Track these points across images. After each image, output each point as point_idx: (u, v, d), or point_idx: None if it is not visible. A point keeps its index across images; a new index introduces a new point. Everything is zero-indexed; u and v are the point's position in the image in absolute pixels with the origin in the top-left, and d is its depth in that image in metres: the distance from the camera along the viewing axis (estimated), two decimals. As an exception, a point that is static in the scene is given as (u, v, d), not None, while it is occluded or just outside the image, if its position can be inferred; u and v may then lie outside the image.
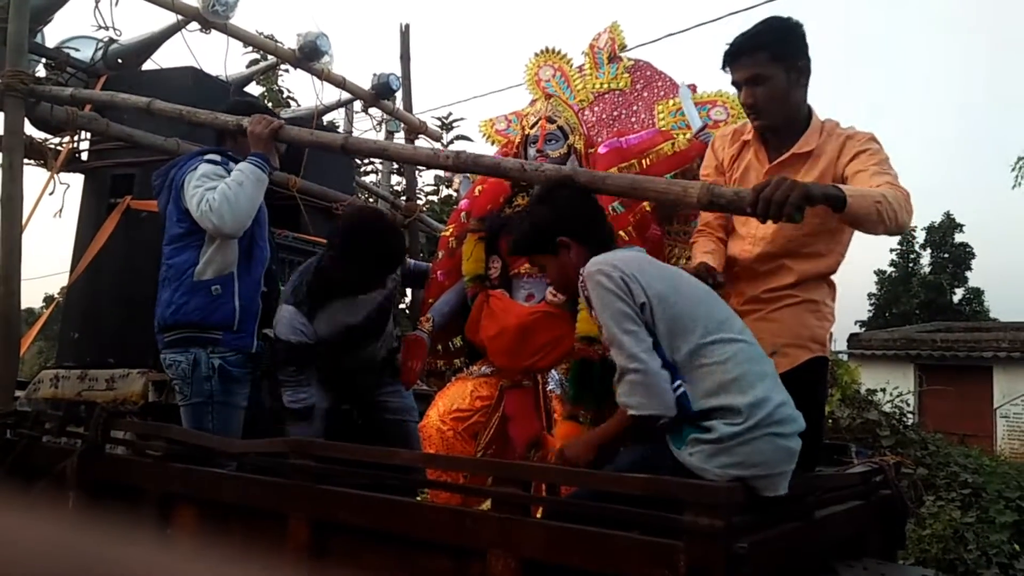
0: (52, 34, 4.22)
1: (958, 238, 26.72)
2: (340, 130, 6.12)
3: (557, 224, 2.18)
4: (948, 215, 27.01)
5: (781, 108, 2.33)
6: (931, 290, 25.77)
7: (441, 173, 8.22)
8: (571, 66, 3.38)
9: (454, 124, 8.63)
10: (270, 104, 7.83)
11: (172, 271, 2.80)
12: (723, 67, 2.37)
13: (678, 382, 1.90)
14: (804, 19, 2.34)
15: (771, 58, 2.28)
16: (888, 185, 2.12)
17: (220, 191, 2.67)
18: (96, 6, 3.84)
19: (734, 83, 2.39)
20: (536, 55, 3.37)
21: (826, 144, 2.34)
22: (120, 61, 4.23)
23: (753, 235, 2.43)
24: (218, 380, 2.74)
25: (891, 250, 27.87)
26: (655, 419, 1.86)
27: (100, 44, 4.20)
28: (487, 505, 2.31)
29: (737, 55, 2.32)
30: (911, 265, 27.48)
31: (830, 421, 6.91)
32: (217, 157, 2.86)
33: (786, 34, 2.31)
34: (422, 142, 5.88)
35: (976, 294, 26.65)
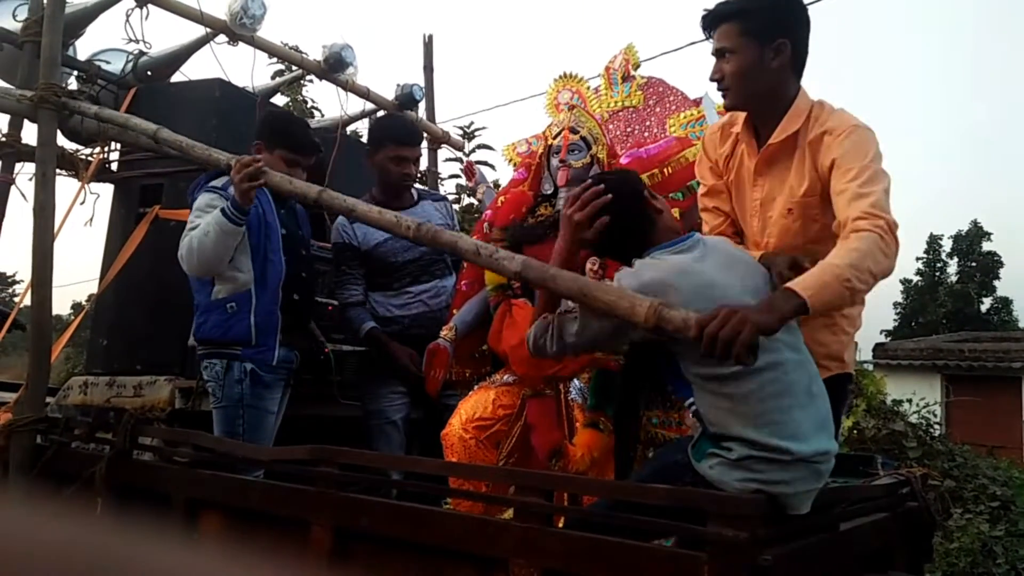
0: (84, 47, 4.30)
1: (986, 247, 26.37)
2: (364, 139, 6.16)
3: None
4: (976, 223, 26.67)
5: (750, 87, 2.12)
6: (958, 299, 25.43)
7: (464, 182, 8.25)
8: (589, 89, 3.41)
9: (476, 133, 8.65)
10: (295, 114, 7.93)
11: (195, 291, 2.98)
12: (705, 34, 2.20)
13: (691, 399, 1.88)
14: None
15: (742, 31, 2.08)
16: (864, 218, 1.85)
17: (189, 239, 2.81)
18: (127, 20, 3.92)
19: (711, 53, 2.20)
20: (555, 79, 3.39)
21: (808, 133, 2.11)
22: (150, 73, 4.31)
23: (755, 240, 2.26)
24: (249, 384, 2.85)
25: (917, 259, 27.58)
26: None
27: (130, 57, 4.27)
28: (509, 514, 2.32)
29: (710, 23, 2.14)
30: (938, 274, 27.15)
31: (855, 432, 6.84)
32: (220, 183, 2.93)
33: (767, 6, 2.09)
34: (445, 151, 5.92)
35: (1004, 303, 26.26)
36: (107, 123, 3.53)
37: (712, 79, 2.17)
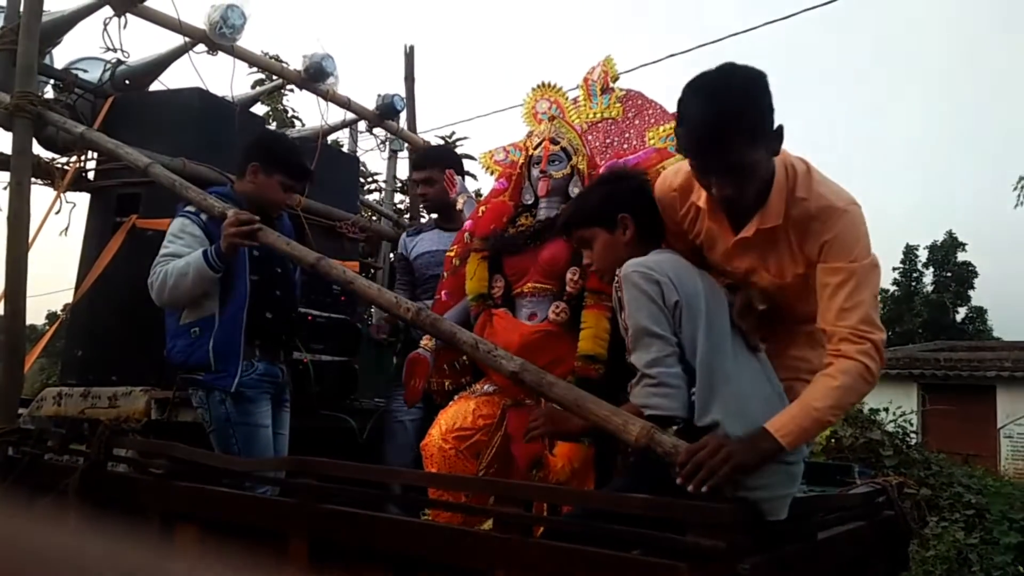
0: (61, 56, 4.26)
1: (960, 257, 26.79)
2: (344, 149, 6.15)
3: (625, 201, 2.18)
4: (950, 234, 27.10)
5: (755, 186, 1.91)
6: (934, 309, 25.78)
7: (444, 192, 8.25)
8: (567, 99, 3.42)
9: (458, 143, 8.68)
10: (275, 124, 7.90)
11: (167, 315, 2.98)
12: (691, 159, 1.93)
13: (693, 390, 1.91)
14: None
15: (751, 141, 1.82)
16: (852, 341, 1.79)
17: (163, 272, 2.80)
18: (104, 28, 3.88)
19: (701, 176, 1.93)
20: (533, 89, 3.40)
21: (791, 217, 1.92)
22: (128, 82, 4.27)
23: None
24: (232, 403, 2.85)
25: (893, 268, 27.95)
26: (670, 420, 1.86)
27: (108, 65, 4.24)
28: (489, 525, 2.31)
29: (708, 147, 1.84)
30: (913, 284, 27.51)
31: (832, 440, 6.89)
32: (192, 210, 2.93)
33: (749, 105, 1.83)
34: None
35: (979, 313, 26.66)
36: (96, 148, 3.50)
37: (724, 197, 1.90)
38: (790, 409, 1.81)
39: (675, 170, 2.18)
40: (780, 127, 1.86)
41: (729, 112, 1.79)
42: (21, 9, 3.42)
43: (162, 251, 2.88)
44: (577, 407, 1.95)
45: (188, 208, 2.95)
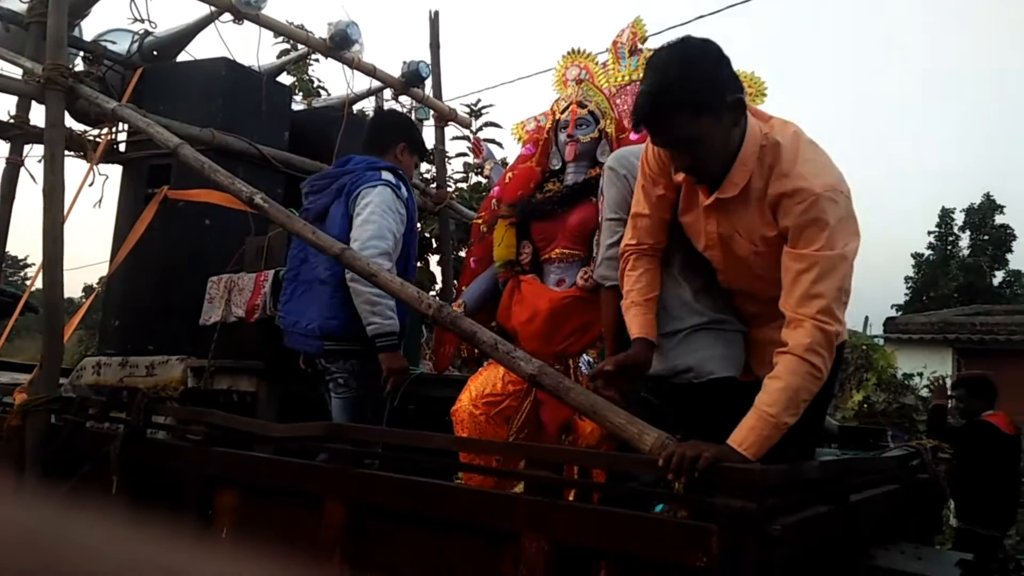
0: (89, 28, 4.29)
1: (998, 220, 26.15)
2: (370, 118, 6.15)
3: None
4: (988, 196, 26.43)
5: (719, 160, 1.92)
6: (970, 273, 25.26)
7: (471, 159, 8.22)
8: (597, 64, 3.38)
9: (483, 111, 8.60)
10: (301, 94, 7.89)
11: (337, 287, 2.90)
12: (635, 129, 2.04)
13: None
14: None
15: (696, 114, 1.82)
16: (811, 328, 1.76)
17: (370, 296, 2.78)
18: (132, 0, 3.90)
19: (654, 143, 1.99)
20: (564, 56, 3.36)
21: (768, 191, 1.89)
22: (155, 53, 4.30)
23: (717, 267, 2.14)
24: (378, 375, 2.86)
25: (929, 232, 27.38)
26: None
27: (136, 37, 4.26)
28: (520, 488, 2.34)
29: (656, 122, 1.88)
30: (949, 248, 26.96)
31: (865, 406, 6.83)
32: (393, 178, 3.00)
33: (702, 79, 1.83)
34: (452, 129, 5.90)
35: (1017, 277, 26.09)
36: (127, 122, 3.53)
37: (681, 170, 1.96)
38: (748, 419, 1.76)
39: None
40: (738, 99, 1.84)
41: (667, 87, 1.81)
42: (49, -18, 3.44)
43: (372, 218, 2.86)
44: (593, 413, 1.93)
45: (386, 177, 2.97)
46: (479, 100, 8.58)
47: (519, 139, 3.48)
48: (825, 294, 1.77)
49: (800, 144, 1.90)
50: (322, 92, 8.52)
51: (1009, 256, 25.96)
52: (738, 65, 2.71)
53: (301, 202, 3.18)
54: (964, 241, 26.96)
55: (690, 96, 1.80)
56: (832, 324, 1.77)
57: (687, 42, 1.87)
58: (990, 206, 26.30)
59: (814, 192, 1.81)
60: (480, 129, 8.40)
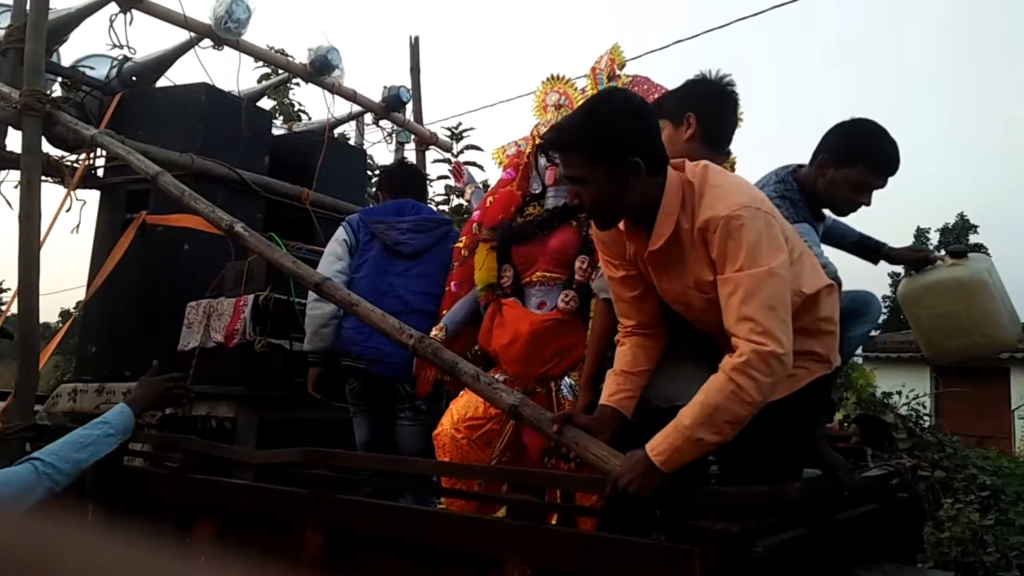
0: (68, 53, 4.29)
1: (972, 239, 26.55)
2: (351, 142, 6.16)
3: (695, 102, 2.17)
4: (962, 216, 26.88)
5: (612, 212, 1.95)
6: (946, 292, 25.55)
7: (452, 183, 8.25)
8: (576, 90, 3.42)
9: (464, 134, 8.66)
10: (281, 118, 7.90)
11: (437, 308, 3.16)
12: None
13: None
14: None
15: (588, 159, 1.88)
16: (744, 348, 1.72)
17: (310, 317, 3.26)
18: (111, 25, 3.90)
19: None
20: (544, 82, 3.40)
21: (685, 226, 1.90)
22: (135, 78, 4.29)
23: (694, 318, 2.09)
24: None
25: (905, 252, 27.69)
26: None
27: (115, 62, 4.26)
28: (503, 513, 2.32)
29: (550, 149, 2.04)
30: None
31: (846, 424, 6.87)
32: (355, 218, 3.39)
33: (609, 129, 1.87)
34: (433, 152, 5.92)
35: (992, 295, 26.43)
36: (106, 150, 3.51)
37: (571, 203, 2.08)
38: (667, 427, 1.75)
39: None
40: (635, 162, 1.84)
41: (571, 125, 1.94)
42: (28, 7, 3.44)
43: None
44: (575, 444, 1.93)
45: (351, 217, 3.35)
46: (460, 124, 8.63)
47: (500, 164, 3.50)
48: (753, 314, 1.73)
49: (707, 175, 1.91)
50: (303, 116, 8.54)
51: (984, 275, 26.33)
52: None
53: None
54: (940, 260, 27.32)
55: (583, 140, 1.89)
56: (767, 344, 1.71)
57: (610, 93, 2.01)
58: (964, 226, 26.75)
59: (721, 215, 1.80)
60: (461, 152, 8.44)
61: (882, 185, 2.62)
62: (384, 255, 3.28)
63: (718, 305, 1.86)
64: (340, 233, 3.32)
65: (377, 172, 8.28)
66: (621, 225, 2.01)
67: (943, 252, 3.04)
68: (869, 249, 3.09)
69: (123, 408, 2.39)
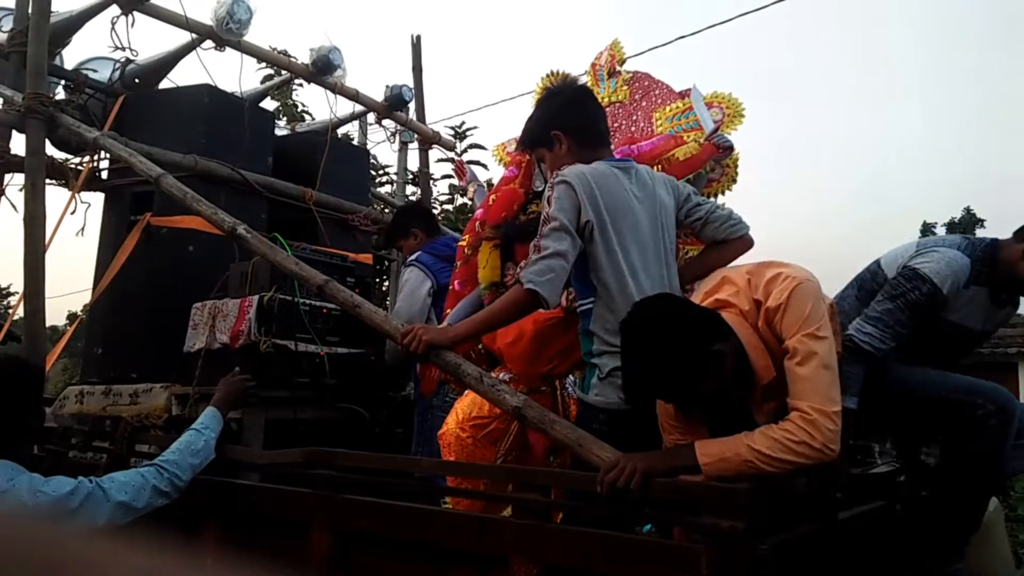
0: (70, 56, 4.29)
1: (979, 234, 26.46)
2: (354, 142, 6.16)
3: (553, 119, 2.39)
4: (968, 210, 26.77)
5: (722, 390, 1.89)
6: (953, 286, 25.44)
7: (456, 182, 8.25)
8: (575, 86, 3.42)
9: (467, 133, 8.64)
10: (284, 118, 7.90)
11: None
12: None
13: (591, 300, 2.19)
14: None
15: (690, 382, 1.82)
16: (797, 420, 1.73)
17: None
18: (113, 27, 3.90)
19: None
20: (543, 78, 3.39)
21: (768, 336, 1.89)
22: (137, 80, 4.30)
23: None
24: None
25: (911, 247, 27.57)
26: (536, 298, 2.08)
27: (117, 64, 4.26)
28: (508, 512, 2.32)
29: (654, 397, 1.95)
30: (931, 261, 27.16)
31: (853, 421, 6.84)
32: (429, 259, 3.66)
33: (682, 359, 1.80)
34: (436, 151, 5.92)
35: (999, 290, 26.32)
36: (108, 152, 3.52)
37: (702, 414, 1.96)
38: (722, 439, 1.76)
39: None
40: (718, 351, 1.79)
41: (663, 378, 1.81)
42: (30, 11, 3.44)
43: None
44: (578, 445, 1.92)
45: (423, 259, 3.56)
46: (463, 122, 8.62)
47: (500, 160, 3.50)
48: (808, 380, 1.76)
49: (752, 279, 1.91)
50: (306, 116, 8.54)
51: (990, 269, 26.23)
52: (715, 84, 2.76)
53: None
54: (946, 255, 27.19)
55: (682, 375, 1.79)
56: (823, 408, 1.73)
57: (657, 331, 1.81)
58: (971, 220, 26.65)
59: (777, 305, 1.82)
60: (465, 151, 8.43)
61: None
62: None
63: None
64: (419, 275, 3.61)
65: (379, 171, 8.29)
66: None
67: None
68: None
69: (214, 412, 2.56)
